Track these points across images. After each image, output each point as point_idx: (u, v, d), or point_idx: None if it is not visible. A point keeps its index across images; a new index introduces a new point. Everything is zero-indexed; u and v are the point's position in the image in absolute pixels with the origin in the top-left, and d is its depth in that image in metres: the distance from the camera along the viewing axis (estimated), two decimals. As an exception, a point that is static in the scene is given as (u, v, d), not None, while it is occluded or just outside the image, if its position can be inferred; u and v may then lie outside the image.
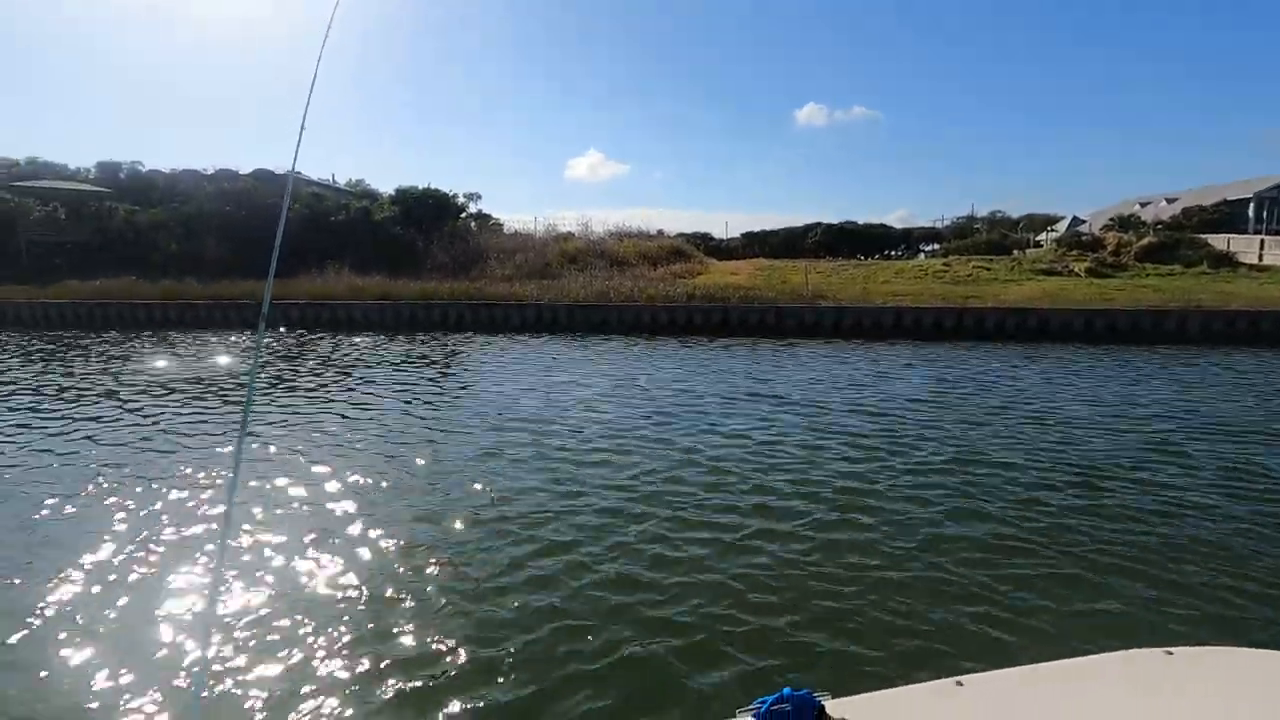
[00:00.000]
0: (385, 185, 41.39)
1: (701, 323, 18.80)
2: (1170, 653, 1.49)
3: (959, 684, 1.38)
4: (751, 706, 1.29)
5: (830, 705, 1.29)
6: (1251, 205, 40.99)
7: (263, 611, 4.00)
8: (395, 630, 3.83)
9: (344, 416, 9.07)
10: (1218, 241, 28.43)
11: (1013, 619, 3.88)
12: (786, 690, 1.29)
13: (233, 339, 17.58)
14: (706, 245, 37.37)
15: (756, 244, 40.50)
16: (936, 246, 38.63)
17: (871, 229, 42.28)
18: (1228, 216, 40.53)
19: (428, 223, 29.35)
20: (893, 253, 40.50)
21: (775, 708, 1.27)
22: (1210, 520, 5.31)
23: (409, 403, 9.98)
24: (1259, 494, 5.91)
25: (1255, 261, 27.14)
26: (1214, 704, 1.32)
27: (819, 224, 41.93)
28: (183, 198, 30.16)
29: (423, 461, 7.05)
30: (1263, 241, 30.20)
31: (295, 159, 2.00)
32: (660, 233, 36.51)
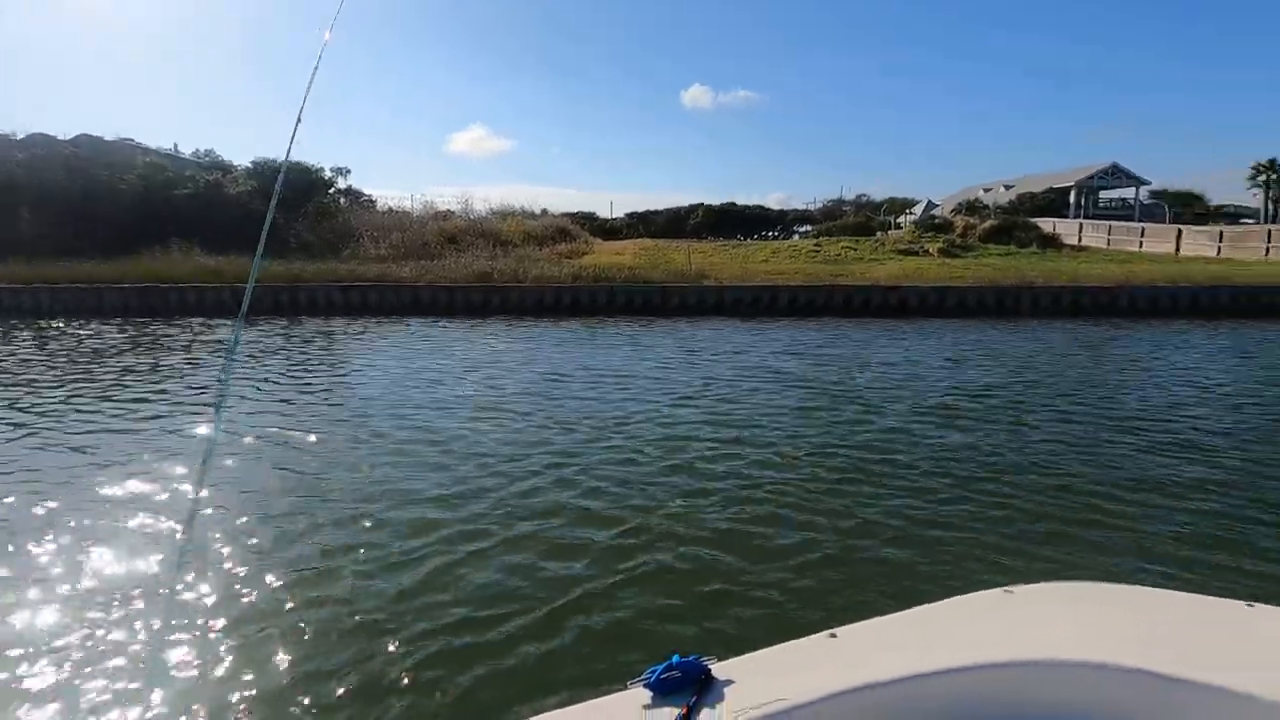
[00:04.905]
0: (239, 157, 37.96)
1: (588, 303, 18.75)
2: (1009, 591, 1.68)
3: (832, 636, 1.47)
4: (642, 677, 1.31)
5: (716, 668, 1.33)
6: (1073, 192, 46.36)
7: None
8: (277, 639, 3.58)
9: (195, 415, 8.28)
10: (1046, 225, 31.94)
11: (878, 573, 4.22)
12: (675, 658, 1.32)
13: (55, 326, 15.52)
14: (592, 225, 37.27)
15: (641, 224, 40.91)
16: (809, 228, 40.68)
17: (750, 210, 43.85)
18: (1053, 202, 45.64)
19: (291, 199, 27.19)
20: (770, 234, 42.23)
21: (665, 676, 1.29)
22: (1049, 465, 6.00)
23: (272, 398, 9.27)
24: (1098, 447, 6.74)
25: (1075, 243, 30.81)
26: (1049, 631, 1.49)
27: (701, 205, 42.93)
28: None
29: (294, 462, 6.58)
30: (1081, 225, 34.35)
31: (289, 150, 1.78)
32: (545, 212, 36.08)
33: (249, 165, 29.91)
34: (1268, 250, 26.48)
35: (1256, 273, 20.66)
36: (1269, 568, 4.19)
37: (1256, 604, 1.55)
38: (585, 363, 11.33)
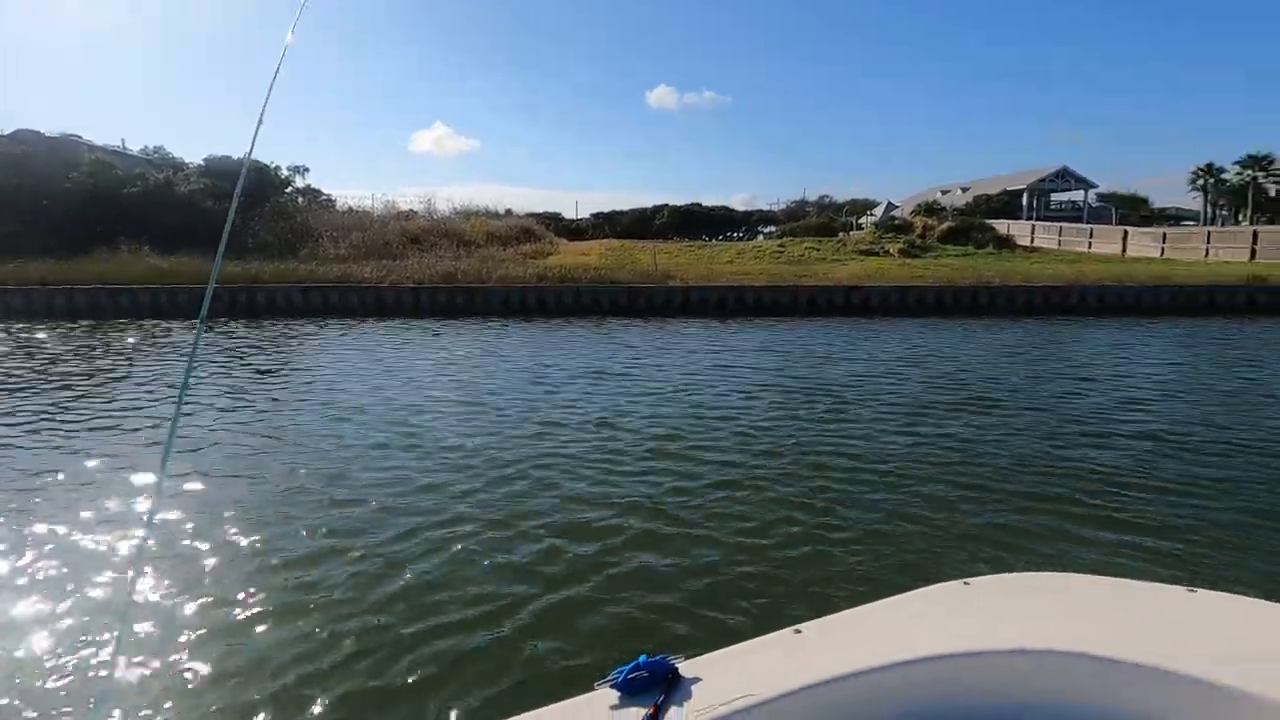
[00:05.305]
0: (192, 154, 36.79)
1: (555, 304, 18.67)
2: (968, 583, 1.73)
3: (797, 631, 1.51)
4: (609, 678, 1.32)
5: (683, 667, 1.35)
6: (1025, 195, 47.79)
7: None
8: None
9: (152, 421, 8.01)
10: (1000, 226, 32.88)
11: (845, 564, 4.30)
12: (642, 658, 1.33)
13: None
14: (557, 225, 37.12)
15: (607, 224, 40.93)
16: (773, 229, 41.19)
17: (715, 211, 44.21)
18: (1007, 204, 46.97)
19: (246, 197, 26.45)
20: (735, 234, 42.62)
21: (633, 675, 1.31)
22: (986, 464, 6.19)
23: (232, 402, 9.01)
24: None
25: (1028, 244, 31.79)
26: (1005, 621, 1.55)
27: (666, 205, 43.12)
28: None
29: (259, 464, 6.41)
30: (1033, 227, 35.43)
31: (250, 151, 1.73)
32: (509, 212, 35.80)
33: (201, 163, 29.02)
34: (1207, 251, 27.67)
35: (1195, 273, 21.59)
36: (1214, 551, 4.39)
37: (1198, 589, 1.63)
38: (555, 362, 11.28)
